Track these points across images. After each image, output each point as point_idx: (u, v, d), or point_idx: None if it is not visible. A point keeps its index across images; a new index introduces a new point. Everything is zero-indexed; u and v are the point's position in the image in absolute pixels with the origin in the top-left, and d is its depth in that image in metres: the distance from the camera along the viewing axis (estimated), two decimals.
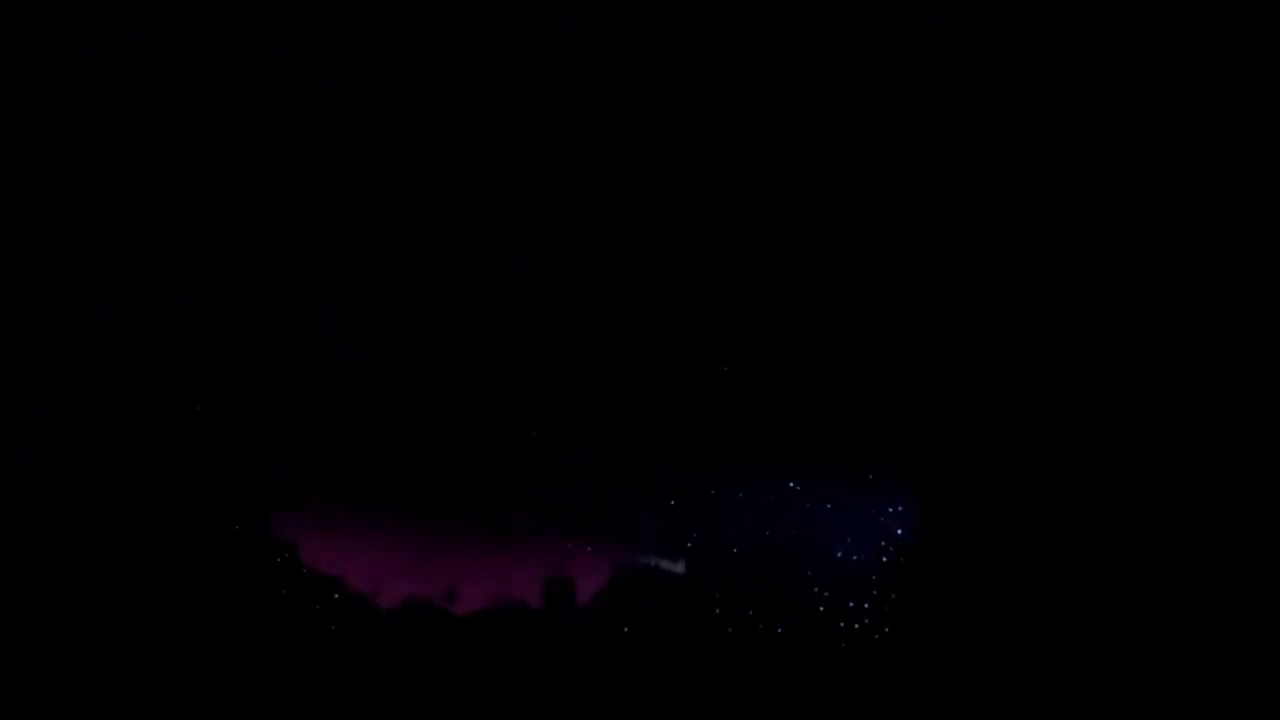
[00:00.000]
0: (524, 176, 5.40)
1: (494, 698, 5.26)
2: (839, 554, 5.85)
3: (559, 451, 5.43)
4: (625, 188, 5.75)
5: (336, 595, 4.49)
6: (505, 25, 4.92)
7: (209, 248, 4.72)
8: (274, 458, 4.88)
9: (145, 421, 4.84)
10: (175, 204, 4.66)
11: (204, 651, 4.93)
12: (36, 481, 4.59)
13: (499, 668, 5.33)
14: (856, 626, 5.70)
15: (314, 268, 5.03)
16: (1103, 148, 5.79)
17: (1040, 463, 5.85)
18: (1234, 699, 4.69)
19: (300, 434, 4.91)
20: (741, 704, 5.72)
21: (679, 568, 5.36)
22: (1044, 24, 5.39)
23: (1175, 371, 5.44)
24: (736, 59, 5.40)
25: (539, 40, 4.97)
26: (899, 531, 5.99)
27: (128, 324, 4.42)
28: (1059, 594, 5.52)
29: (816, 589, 5.78)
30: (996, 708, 5.35)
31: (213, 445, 4.83)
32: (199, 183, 4.71)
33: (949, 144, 6.13)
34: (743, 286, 6.49)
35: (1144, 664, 4.99)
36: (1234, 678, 4.74)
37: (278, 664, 4.85)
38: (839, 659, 5.72)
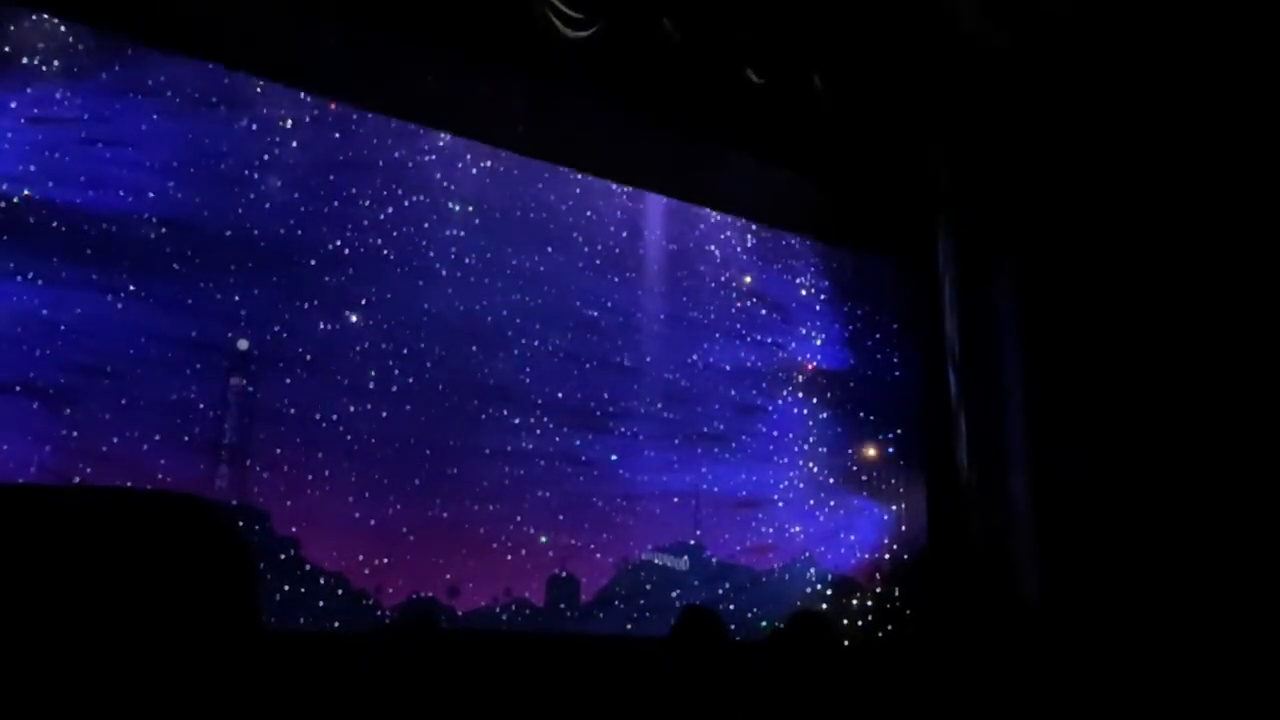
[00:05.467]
0: None
1: (495, 698, 5.19)
2: (841, 550, 5.86)
3: (559, 449, 5.39)
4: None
5: (341, 592, 4.43)
6: None
7: None
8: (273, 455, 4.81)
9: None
10: None
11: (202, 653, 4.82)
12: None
13: (499, 667, 5.27)
14: (860, 624, 5.72)
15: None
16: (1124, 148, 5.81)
17: (1039, 463, 5.87)
18: (1232, 697, 4.70)
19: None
20: (741, 703, 5.68)
21: (682, 564, 5.34)
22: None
23: (1176, 374, 5.46)
24: None
25: None
26: (902, 529, 6.01)
27: None
28: (1062, 596, 5.54)
29: (819, 585, 5.79)
30: (996, 708, 5.37)
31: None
32: None
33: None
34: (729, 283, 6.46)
35: (1142, 664, 5.01)
36: (1232, 677, 4.76)
37: (276, 663, 4.77)
38: (840, 659, 5.71)
